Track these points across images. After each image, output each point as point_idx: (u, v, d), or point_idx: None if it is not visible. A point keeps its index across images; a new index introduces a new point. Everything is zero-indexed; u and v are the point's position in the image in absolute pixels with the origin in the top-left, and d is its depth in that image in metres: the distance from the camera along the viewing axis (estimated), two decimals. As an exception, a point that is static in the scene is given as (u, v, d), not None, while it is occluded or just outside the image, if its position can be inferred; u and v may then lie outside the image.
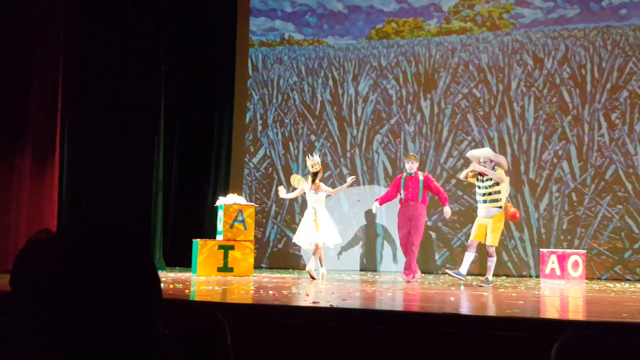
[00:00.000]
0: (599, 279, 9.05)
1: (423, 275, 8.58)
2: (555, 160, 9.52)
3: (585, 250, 8.92)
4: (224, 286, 6.72)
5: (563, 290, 7.37)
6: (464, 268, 7.63)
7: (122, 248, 0.96)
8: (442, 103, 10.03)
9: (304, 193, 8.58)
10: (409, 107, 10.16)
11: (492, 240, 7.56)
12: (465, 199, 9.69)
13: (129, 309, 0.93)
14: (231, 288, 6.57)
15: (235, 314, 4.17)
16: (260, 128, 10.66)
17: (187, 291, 6.12)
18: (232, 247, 8.63)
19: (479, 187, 7.65)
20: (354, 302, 5.33)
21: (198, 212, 10.20)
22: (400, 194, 8.41)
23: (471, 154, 7.89)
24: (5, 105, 7.86)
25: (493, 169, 7.58)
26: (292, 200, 9.68)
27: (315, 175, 8.30)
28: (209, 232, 9.56)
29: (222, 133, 10.48)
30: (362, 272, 9.69)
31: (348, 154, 10.28)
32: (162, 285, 1.01)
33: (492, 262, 7.63)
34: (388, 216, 9.76)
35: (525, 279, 8.97)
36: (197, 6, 10.43)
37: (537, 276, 9.00)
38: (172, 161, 10.19)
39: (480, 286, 7.35)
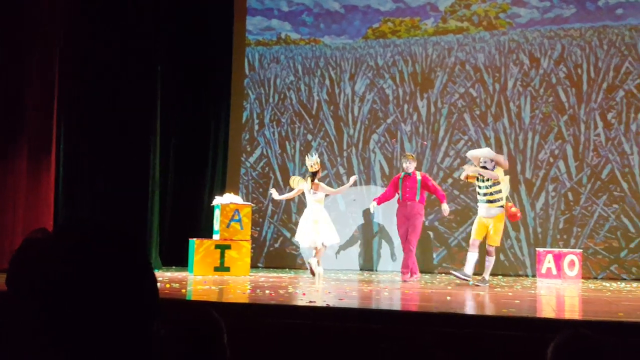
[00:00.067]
0: (595, 278, 9.06)
1: (420, 274, 8.58)
2: (551, 160, 9.54)
3: (581, 250, 8.94)
4: (221, 286, 6.72)
5: (559, 289, 7.38)
6: (468, 268, 7.56)
7: (118, 247, 0.96)
8: (439, 102, 10.04)
9: (302, 193, 8.61)
10: (406, 106, 10.16)
11: (493, 241, 7.57)
12: (461, 198, 9.70)
13: (125, 308, 0.93)
14: (228, 287, 6.56)
15: (231, 314, 4.17)
16: (256, 127, 10.65)
17: (183, 291, 6.12)
18: (228, 247, 8.63)
19: (479, 187, 7.66)
20: (350, 301, 5.34)
21: (195, 212, 10.19)
22: (398, 194, 8.43)
23: (471, 154, 7.91)
24: (2, 105, 7.84)
25: (493, 168, 7.59)
26: (288, 200, 9.68)
27: (314, 174, 8.35)
28: (206, 231, 9.55)
29: (219, 132, 10.47)
30: (360, 272, 9.69)
31: (345, 154, 10.28)
32: (158, 284, 1.01)
33: (490, 262, 7.65)
34: (385, 215, 9.77)
35: (521, 278, 8.98)
36: (193, 6, 10.41)
37: (534, 275, 9.01)
38: (169, 160, 10.18)
39: (477, 285, 7.37)
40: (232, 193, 9.23)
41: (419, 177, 8.34)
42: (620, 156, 9.29)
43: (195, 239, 8.70)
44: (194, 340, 1.79)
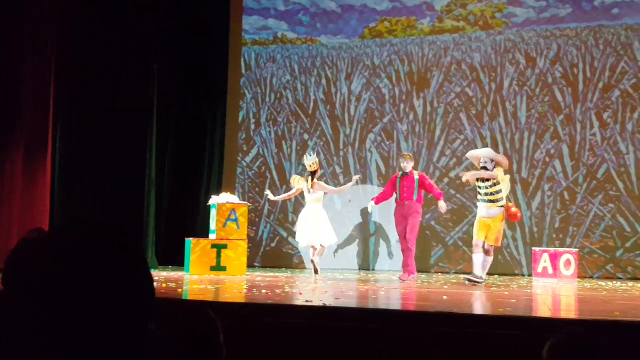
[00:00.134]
0: (591, 277, 9.08)
1: (417, 273, 8.59)
2: (547, 159, 9.55)
3: (577, 249, 8.96)
4: (217, 285, 6.71)
5: (555, 289, 7.39)
6: (478, 270, 7.50)
7: (114, 247, 0.96)
8: (435, 102, 10.05)
9: (300, 192, 8.63)
10: (402, 106, 10.17)
11: (494, 241, 7.56)
12: (458, 197, 9.71)
13: (121, 308, 0.93)
14: (224, 287, 6.56)
15: (228, 313, 4.17)
16: (253, 127, 10.65)
17: (180, 290, 6.11)
18: (225, 246, 8.62)
19: (480, 187, 7.65)
20: (347, 301, 5.34)
21: (191, 211, 10.18)
22: (396, 194, 8.45)
23: (471, 154, 7.91)
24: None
25: (493, 168, 7.59)
26: (285, 200, 9.68)
27: (313, 174, 8.38)
28: (202, 231, 9.54)
29: (215, 132, 10.46)
30: (357, 271, 9.69)
31: (341, 153, 10.28)
32: (155, 284, 1.01)
33: (487, 262, 7.65)
34: (382, 215, 9.78)
35: (517, 277, 8.99)
36: (190, 5, 10.40)
37: (530, 275, 9.02)
38: (165, 160, 10.17)
39: (471, 280, 7.36)
40: (228, 192, 9.22)
41: (416, 177, 8.36)
42: (616, 156, 9.31)
43: (191, 238, 8.69)
44: (190, 340, 1.79)
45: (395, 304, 5.55)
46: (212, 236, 8.86)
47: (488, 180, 7.54)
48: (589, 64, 9.57)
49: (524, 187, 9.55)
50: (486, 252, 7.63)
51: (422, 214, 8.72)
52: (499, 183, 7.54)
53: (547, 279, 8.49)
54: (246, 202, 9.35)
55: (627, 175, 9.25)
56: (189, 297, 5.50)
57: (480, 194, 7.68)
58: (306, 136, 10.44)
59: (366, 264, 10.03)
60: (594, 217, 9.29)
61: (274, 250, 10.33)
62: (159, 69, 9.52)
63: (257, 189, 10.47)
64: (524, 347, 3.72)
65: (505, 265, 9.40)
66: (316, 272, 8.13)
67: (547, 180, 9.51)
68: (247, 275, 8.44)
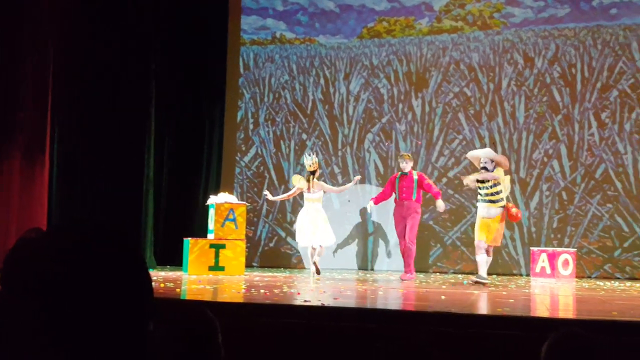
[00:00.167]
0: (589, 277, 9.09)
1: (415, 274, 8.60)
2: (545, 159, 9.56)
3: (575, 249, 8.97)
4: (215, 285, 6.71)
5: (553, 288, 7.40)
6: (482, 271, 7.48)
7: (113, 247, 0.95)
8: (433, 102, 10.05)
9: (299, 192, 8.63)
10: (400, 106, 10.17)
11: (494, 241, 7.57)
12: (456, 197, 9.72)
13: (119, 308, 0.93)
14: (222, 287, 6.56)
15: (226, 313, 4.17)
16: (251, 127, 10.65)
17: (178, 290, 6.11)
18: (223, 246, 8.62)
19: (480, 188, 7.65)
20: (345, 300, 5.34)
21: (189, 211, 10.18)
22: (395, 193, 8.45)
23: (471, 154, 7.91)
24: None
25: (493, 169, 7.59)
26: (283, 200, 9.68)
27: (313, 174, 8.39)
28: (200, 230, 9.54)
29: (214, 131, 10.46)
30: (355, 271, 9.70)
31: (339, 153, 10.28)
32: (153, 284, 1.01)
33: (487, 262, 7.65)
34: (380, 215, 9.78)
35: (515, 277, 9.00)
36: (188, 5, 10.40)
37: (528, 275, 9.03)
38: (163, 160, 10.17)
39: (476, 281, 7.35)
40: (226, 192, 9.22)
41: (415, 177, 8.38)
42: (614, 156, 9.32)
43: (189, 238, 8.69)
44: (188, 340, 1.79)
45: (394, 304, 5.55)
46: (210, 236, 8.86)
47: (488, 180, 7.55)
48: (587, 64, 9.58)
49: (522, 187, 9.56)
50: (486, 252, 7.64)
51: (421, 213, 8.73)
52: (499, 183, 7.54)
53: (545, 278, 8.50)
54: (244, 202, 9.34)
55: (625, 175, 9.26)
56: (187, 297, 5.50)
57: (480, 194, 7.67)
58: (304, 136, 10.44)
59: (365, 263, 10.03)
60: (592, 217, 9.30)
61: (272, 250, 10.33)
62: (157, 68, 9.51)
63: (255, 189, 10.47)
64: (522, 346, 3.73)
65: (503, 265, 9.41)
66: (318, 272, 8.14)
67: (545, 180, 9.52)
68: (245, 275, 8.44)
